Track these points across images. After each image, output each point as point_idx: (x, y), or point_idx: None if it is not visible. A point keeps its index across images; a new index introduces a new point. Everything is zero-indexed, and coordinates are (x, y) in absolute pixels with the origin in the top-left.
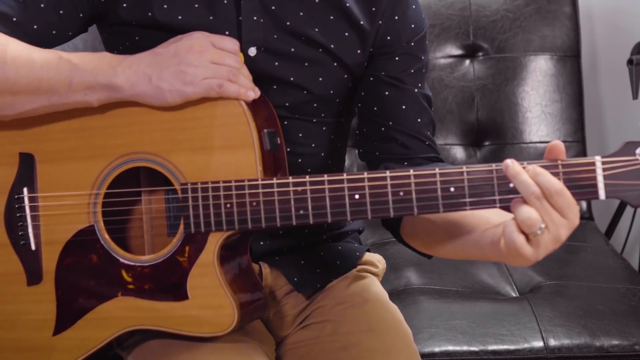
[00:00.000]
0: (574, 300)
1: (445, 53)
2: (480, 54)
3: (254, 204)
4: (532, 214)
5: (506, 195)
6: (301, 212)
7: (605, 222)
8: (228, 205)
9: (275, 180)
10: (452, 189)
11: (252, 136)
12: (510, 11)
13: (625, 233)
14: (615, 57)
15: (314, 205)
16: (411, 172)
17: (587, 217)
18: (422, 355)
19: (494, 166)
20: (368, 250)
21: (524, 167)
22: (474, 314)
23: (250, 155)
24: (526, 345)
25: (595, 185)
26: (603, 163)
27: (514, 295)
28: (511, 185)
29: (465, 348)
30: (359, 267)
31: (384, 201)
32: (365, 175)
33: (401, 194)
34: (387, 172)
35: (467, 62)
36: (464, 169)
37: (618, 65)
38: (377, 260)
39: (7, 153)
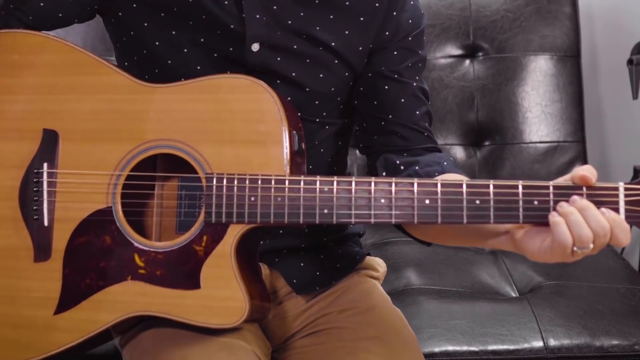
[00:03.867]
0: (574, 300)
1: (445, 53)
2: (480, 54)
3: (279, 199)
4: (590, 237)
5: (531, 212)
6: (325, 211)
7: None
8: (252, 199)
9: (302, 178)
10: (477, 202)
11: (283, 133)
12: (510, 11)
13: None
14: (615, 57)
15: (339, 206)
16: (439, 180)
17: None
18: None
19: (520, 182)
20: (368, 254)
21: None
22: (474, 314)
23: (280, 152)
24: (526, 345)
25: (617, 210)
26: (626, 189)
27: (514, 295)
28: (535, 202)
29: (465, 348)
30: (361, 271)
31: (408, 207)
32: (393, 180)
33: (427, 201)
34: (415, 179)
35: (467, 62)
36: (491, 182)
37: (618, 65)
38: (377, 264)
39: (30, 128)
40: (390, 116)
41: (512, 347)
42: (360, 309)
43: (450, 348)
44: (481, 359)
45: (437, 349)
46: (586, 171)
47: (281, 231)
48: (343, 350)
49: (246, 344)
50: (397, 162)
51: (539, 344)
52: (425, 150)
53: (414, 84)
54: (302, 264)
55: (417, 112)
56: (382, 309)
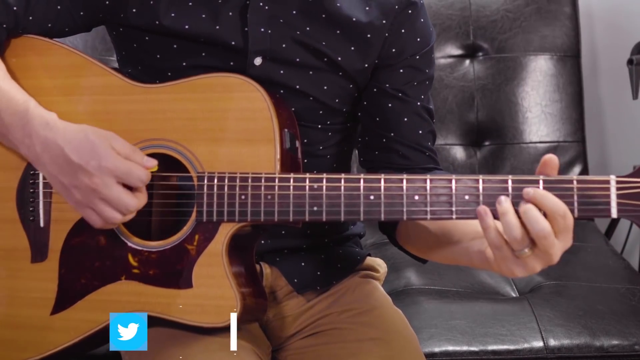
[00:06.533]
0: (574, 300)
1: (445, 53)
2: (480, 54)
3: (269, 197)
4: (520, 235)
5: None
6: (315, 208)
7: (605, 222)
8: (242, 197)
9: (292, 175)
10: (466, 197)
11: (274, 132)
12: (510, 11)
13: (625, 233)
14: (615, 57)
15: (328, 203)
16: (427, 177)
17: None
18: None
19: (510, 177)
20: (369, 255)
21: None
22: (474, 314)
23: (270, 150)
24: (526, 345)
25: (608, 203)
26: (617, 182)
27: (514, 295)
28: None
29: (465, 348)
30: (362, 272)
31: (398, 204)
32: (382, 176)
33: (416, 197)
34: (404, 174)
35: (467, 62)
36: (480, 177)
37: (618, 65)
38: (377, 264)
39: None
40: (392, 134)
41: (512, 347)
42: (361, 310)
43: (450, 348)
44: (481, 359)
45: (437, 349)
46: (548, 157)
47: (283, 231)
48: (344, 351)
49: (246, 344)
50: None
51: (539, 344)
52: (426, 170)
53: (418, 103)
54: (303, 264)
55: (420, 132)
56: (383, 309)
